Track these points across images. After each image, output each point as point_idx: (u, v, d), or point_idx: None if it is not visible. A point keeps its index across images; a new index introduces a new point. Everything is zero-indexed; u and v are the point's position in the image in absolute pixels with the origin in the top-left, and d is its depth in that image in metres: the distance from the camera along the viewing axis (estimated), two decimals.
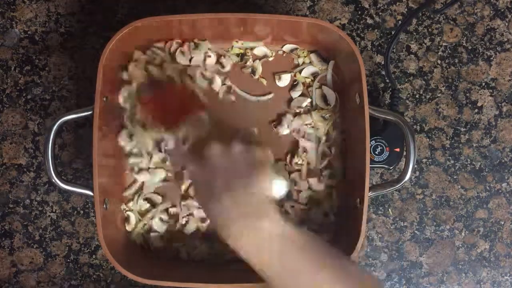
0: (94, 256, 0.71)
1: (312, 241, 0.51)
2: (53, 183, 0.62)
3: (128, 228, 0.68)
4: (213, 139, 0.53)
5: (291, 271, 0.49)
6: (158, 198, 0.69)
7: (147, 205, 0.68)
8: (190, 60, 0.69)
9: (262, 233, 0.49)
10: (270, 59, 0.70)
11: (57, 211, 0.71)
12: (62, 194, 0.71)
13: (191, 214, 0.68)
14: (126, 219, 0.68)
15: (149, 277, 0.60)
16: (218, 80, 0.69)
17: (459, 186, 0.73)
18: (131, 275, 0.60)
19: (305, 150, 0.69)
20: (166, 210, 0.69)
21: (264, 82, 0.70)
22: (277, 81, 0.70)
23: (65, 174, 0.71)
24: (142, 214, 0.69)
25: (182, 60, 0.69)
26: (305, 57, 0.70)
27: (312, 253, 0.50)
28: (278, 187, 0.57)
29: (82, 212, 0.71)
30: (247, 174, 0.51)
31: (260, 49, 0.70)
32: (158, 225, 0.68)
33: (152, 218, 0.68)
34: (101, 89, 0.61)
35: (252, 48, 0.70)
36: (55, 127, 0.61)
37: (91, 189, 0.61)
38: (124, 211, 0.68)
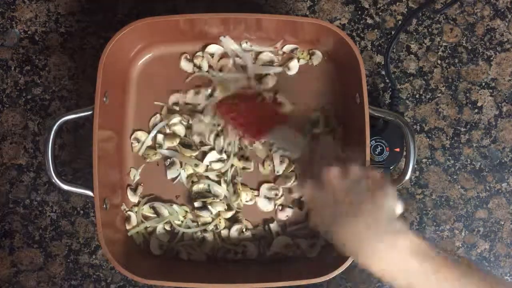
0: (94, 256, 0.71)
1: (446, 260, 0.51)
2: (53, 183, 0.62)
3: (128, 227, 0.68)
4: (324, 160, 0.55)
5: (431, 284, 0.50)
6: (165, 212, 0.68)
7: (152, 213, 0.69)
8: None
9: (399, 250, 0.50)
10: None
11: (57, 211, 0.71)
12: (62, 194, 0.71)
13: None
14: (127, 219, 0.68)
15: (149, 277, 0.61)
16: None
17: (459, 186, 0.73)
18: (131, 275, 0.60)
19: None
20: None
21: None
22: None
23: (65, 174, 0.71)
24: (145, 217, 0.69)
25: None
26: (304, 57, 0.70)
27: (450, 272, 0.50)
28: (398, 207, 0.57)
29: (82, 212, 0.71)
30: (371, 197, 0.52)
31: (267, 54, 0.70)
32: (160, 233, 0.68)
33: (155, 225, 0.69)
34: (101, 89, 0.61)
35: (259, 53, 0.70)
36: (55, 127, 0.61)
37: (91, 189, 0.61)
38: (125, 211, 0.68)
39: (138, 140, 0.69)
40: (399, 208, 0.55)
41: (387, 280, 0.51)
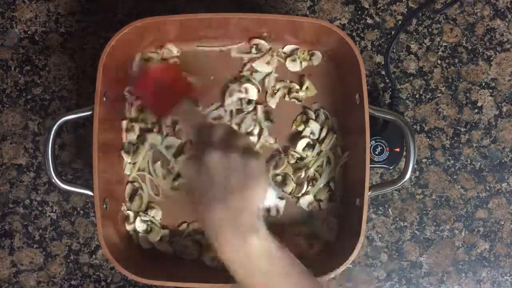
0: (94, 256, 0.71)
1: (294, 264, 0.53)
2: (53, 183, 0.62)
3: (128, 228, 0.68)
4: (214, 144, 0.53)
5: None
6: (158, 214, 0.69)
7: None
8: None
9: (250, 248, 0.50)
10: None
11: (57, 211, 0.71)
12: (62, 194, 0.71)
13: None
14: (126, 218, 0.68)
15: (149, 277, 0.61)
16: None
17: (459, 186, 0.73)
18: (131, 275, 0.60)
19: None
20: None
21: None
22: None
23: (65, 174, 0.71)
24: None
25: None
26: (305, 58, 0.70)
27: (293, 278, 0.52)
28: (270, 197, 0.57)
29: (82, 212, 0.71)
30: (242, 185, 0.52)
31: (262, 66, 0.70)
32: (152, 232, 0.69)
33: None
34: (101, 89, 0.61)
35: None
36: (55, 127, 0.61)
37: (91, 189, 0.61)
38: (124, 210, 0.68)
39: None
40: (270, 200, 0.55)
41: (240, 276, 0.51)
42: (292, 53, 0.70)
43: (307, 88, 0.69)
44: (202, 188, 0.53)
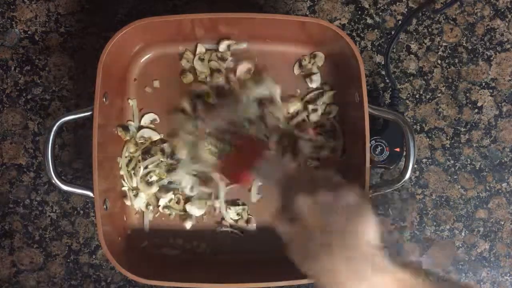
0: (94, 256, 0.71)
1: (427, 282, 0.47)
2: (53, 183, 0.62)
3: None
4: (296, 188, 0.49)
5: None
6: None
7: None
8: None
9: (378, 286, 0.45)
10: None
11: (57, 211, 0.71)
12: (62, 194, 0.71)
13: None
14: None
15: (149, 277, 0.61)
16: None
17: (459, 186, 0.73)
18: (131, 275, 0.60)
19: None
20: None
21: None
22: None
23: (65, 174, 0.71)
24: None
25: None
26: (308, 60, 0.70)
27: None
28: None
29: (82, 212, 0.71)
30: (345, 225, 0.47)
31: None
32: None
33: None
34: (100, 89, 0.61)
35: None
36: (55, 127, 0.61)
37: (91, 190, 0.61)
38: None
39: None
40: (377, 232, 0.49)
41: None
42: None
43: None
44: (302, 240, 0.48)
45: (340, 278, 0.45)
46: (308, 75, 0.70)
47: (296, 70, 0.70)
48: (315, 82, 0.70)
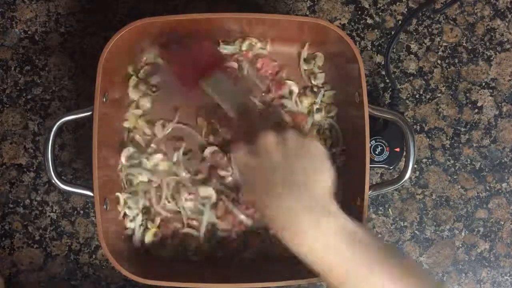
0: (94, 256, 0.71)
1: (373, 238, 0.49)
2: (53, 183, 0.62)
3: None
4: (259, 125, 0.50)
5: (360, 271, 0.46)
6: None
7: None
8: None
9: (328, 230, 0.46)
10: None
11: (57, 211, 0.71)
12: (62, 194, 0.71)
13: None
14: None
15: (149, 277, 0.60)
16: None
17: (459, 186, 0.73)
18: (131, 275, 0.60)
19: None
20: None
21: None
22: None
23: (65, 174, 0.71)
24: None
25: None
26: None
27: (377, 252, 0.47)
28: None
29: (82, 212, 0.71)
30: (309, 169, 0.48)
31: None
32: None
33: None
34: (100, 89, 0.61)
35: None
36: (55, 127, 0.61)
37: (91, 190, 0.61)
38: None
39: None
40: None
41: (317, 261, 0.46)
42: None
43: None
44: (262, 176, 0.48)
45: (298, 223, 0.46)
46: (312, 73, 0.70)
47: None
48: (318, 79, 0.69)
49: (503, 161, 0.73)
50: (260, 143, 0.50)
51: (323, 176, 0.50)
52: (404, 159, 0.64)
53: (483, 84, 0.73)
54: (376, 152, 0.68)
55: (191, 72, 0.61)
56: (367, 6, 0.73)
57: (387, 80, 0.72)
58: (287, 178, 0.48)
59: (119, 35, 0.61)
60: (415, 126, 0.73)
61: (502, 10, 0.73)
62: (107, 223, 0.62)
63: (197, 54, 0.62)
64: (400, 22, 0.73)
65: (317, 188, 0.49)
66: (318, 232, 0.46)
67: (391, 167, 0.69)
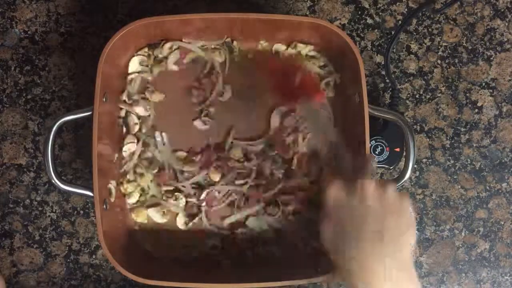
0: (94, 256, 0.71)
1: None
2: (53, 183, 0.62)
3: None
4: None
5: None
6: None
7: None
8: None
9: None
10: None
11: (57, 211, 0.71)
12: (62, 194, 0.71)
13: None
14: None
15: (149, 277, 0.60)
16: None
17: (459, 186, 0.73)
18: (131, 275, 0.60)
19: None
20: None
21: None
22: None
23: (65, 174, 0.71)
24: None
25: None
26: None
27: None
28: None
29: (82, 212, 0.71)
30: (399, 230, 0.48)
31: None
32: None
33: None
34: (100, 89, 0.61)
35: None
36: (55, 127, 0.61)
37: (91, 190, 0.61)
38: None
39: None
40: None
41: None
42: None
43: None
44: (352, 216, 0.48)
45: (379, 283, 0.46)
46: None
47: None
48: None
49: (503, 161, 0.73)
50: (362, 187, 0.50)
51: (411, 237, 0.49)
52: (404, 159, 0.64)
53: (483, 84, 0.73)
54: (376, 152, 0.68)
55: (290, 87, 0.61)
56: (367, 6, 0.73)
57: (387, 80, 0.72)
58: (379, 232, 0.47)
59: (119, 35, 0.61)
60: (415, 126, 0.73)
61: (502, 10, 0.73)
62: (107, 223, 0.62)
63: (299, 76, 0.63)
64: (400, 22, 0.73)
65: (406, 250, 0.48)
66: None
67: (391, 167, 0.69)
